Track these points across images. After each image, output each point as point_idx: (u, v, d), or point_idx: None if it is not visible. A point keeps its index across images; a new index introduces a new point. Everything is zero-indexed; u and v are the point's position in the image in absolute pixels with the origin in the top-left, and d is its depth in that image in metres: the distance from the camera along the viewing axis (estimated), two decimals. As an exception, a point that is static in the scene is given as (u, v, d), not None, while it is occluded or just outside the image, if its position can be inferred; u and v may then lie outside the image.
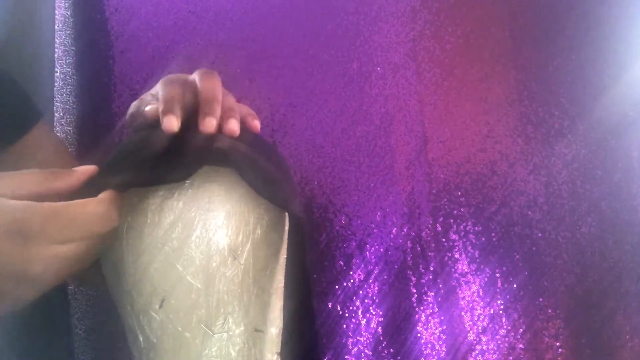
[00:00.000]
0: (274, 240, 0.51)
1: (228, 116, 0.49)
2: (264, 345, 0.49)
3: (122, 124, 0.79)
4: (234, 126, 0.48)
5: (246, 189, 0.49)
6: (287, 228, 0.53)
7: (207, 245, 0.47)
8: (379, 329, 0.75)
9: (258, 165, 0.49)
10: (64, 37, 0.81)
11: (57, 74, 0.81)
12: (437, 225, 0.76)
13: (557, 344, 0.74)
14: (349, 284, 0.76)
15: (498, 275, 0.75)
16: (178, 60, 0.79)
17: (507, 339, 0.74)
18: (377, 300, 0.75)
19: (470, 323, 0.75)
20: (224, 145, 0.48)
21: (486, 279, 0.75)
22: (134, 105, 0.52)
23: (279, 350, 0.51)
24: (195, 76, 0.51)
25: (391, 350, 0.75)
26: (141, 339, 0.48)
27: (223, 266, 0.48)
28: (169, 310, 0.47)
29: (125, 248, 0.48)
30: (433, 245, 0.76)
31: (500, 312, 0.74)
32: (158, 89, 0.51)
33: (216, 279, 0.47)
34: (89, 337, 0.79)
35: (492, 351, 0.74)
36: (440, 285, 0.75)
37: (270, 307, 0.50)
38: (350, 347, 0.75)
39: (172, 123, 0.45)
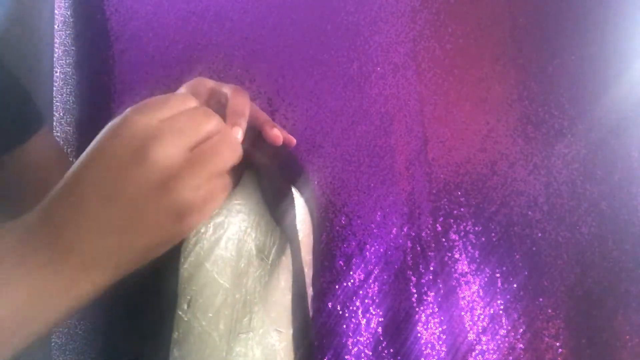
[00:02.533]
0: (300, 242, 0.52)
1: (272, 125, 0.53)
2: (286, 344, 0.50)
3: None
4: (278, 132, 0.53)
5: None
6: (307, 232, 0.54)
7: (237, 245, 0.48)
8: (379, 329, 0.75)
9: (274, 176, 0.50)
10: (64, 37, 0.81)
11: (57, 74, 0.81)
12: (437, 225, 0.76)
13: (557, 344, 0.74)
14: (349, 284, 0.76)
15: (498, 275, 0.75)
16: (178, 60, 0.79)
17: (507, 339, 0.74)
18: (377, 300, 0.75)
19: (470, 323, 0.75)
20: (250, 151, 0.49)
21: (486, 279, 0.75)
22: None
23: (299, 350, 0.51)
24: (227, 90, 0.54)
25: (391, 350, 0.75)
26: None
27: (251, 266, 0.48)
28: (196, 310, 0.47)
29: None
30: (433, 245, 0.76)
31: (500, 312, 0.74)
32: (227, 92, 0.53)
33: (244, 279, 0.48)
34: (89, 337, 0.79)
35: (492, 351, 0.74)
36: (440, 285, 0.75)
37: (291, 308, 0.51)
38: (350, 347, 0.75)
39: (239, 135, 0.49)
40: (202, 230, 0.47)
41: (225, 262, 0.47)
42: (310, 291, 0.55)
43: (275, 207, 0.49)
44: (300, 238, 0.52)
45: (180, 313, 0.47)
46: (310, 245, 0.55)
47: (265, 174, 0.49)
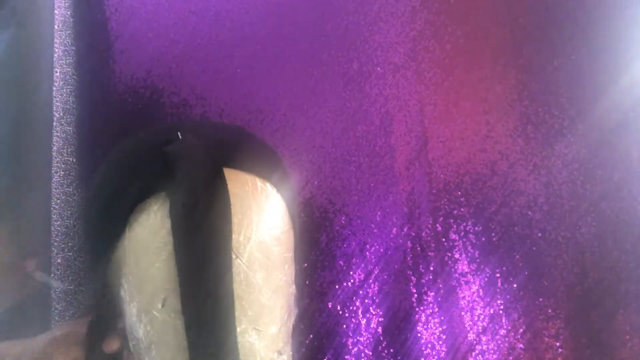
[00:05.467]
0: (275, 239, 0.51)
1: None
2: (266, 344, 0.49)
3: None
4: None
5: (247, 189, 0.50)
6: (286, 229, 0.53)
7: None
8: (379, 329, 0.75)
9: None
10: (64, 37, 0.81)
11: (57, 74, 0.81)
12: (437, 225, 0.76)
13: (557, 344, 0.74)
14: (349, 284, 0.76)
15: (498, 275, 0.75)
16: (178, 60, 0.79)
17: (507, 339, 0.74)
18: (377, 300, 0.75)
19: (470, 323, 0.75)
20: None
21: (486, 279, 0.75)
22: None
23: (279, 349, 0.51)
24: None
25: (391, 350, 0.75)
26: (143, 338, 0.48)
27: None
28: (170, 309, 0.47)
29: (128, 248, 0.49)
30: (433, 245, 0.76)
31: (500, 312, 0.74)
32: None
33: None
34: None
35: (492, 351, 0.74)
36: (440, 285, 0.75)
37: (269, 306, 0.50)
38: (350, 347, 0.75)
39: None
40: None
41: None
42: (293, 289, 0.55)
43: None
44: (277, 234, 0.51)
45: (154, 312, 0.47)
46: (290, 241, 0.54)
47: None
